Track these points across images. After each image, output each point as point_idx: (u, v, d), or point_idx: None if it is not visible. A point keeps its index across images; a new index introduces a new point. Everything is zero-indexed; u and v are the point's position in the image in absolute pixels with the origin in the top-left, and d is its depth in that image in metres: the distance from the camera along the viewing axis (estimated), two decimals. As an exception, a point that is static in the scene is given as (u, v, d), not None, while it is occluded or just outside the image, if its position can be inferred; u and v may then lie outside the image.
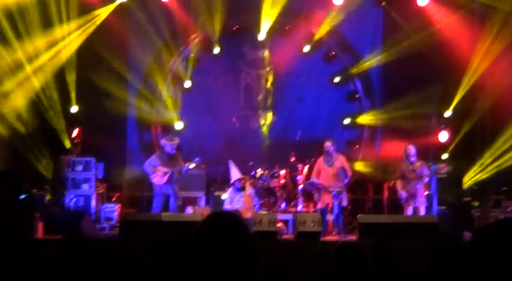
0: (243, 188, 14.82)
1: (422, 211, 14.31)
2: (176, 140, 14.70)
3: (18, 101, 15.38)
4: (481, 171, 16.35)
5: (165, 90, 17.76)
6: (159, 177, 14.20)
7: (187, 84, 17.83)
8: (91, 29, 16.64)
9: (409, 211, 14.29)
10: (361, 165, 17.55)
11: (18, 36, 15.31)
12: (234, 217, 3.01)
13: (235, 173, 14.94)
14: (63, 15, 16.15)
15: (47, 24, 15.84)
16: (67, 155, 15.87)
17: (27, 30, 15.46)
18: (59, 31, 16.03)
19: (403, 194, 14.28)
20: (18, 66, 15.32)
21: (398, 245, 10.41)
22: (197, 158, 14.66)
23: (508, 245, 3.06)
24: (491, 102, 16.40)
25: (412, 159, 14.35)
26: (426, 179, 14.46)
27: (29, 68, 15.49)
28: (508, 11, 16.03)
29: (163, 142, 14.65)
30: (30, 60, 15.54)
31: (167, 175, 14.16)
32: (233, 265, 2.84)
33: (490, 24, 16.33)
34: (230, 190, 15.05)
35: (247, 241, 2.93)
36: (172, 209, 14.30)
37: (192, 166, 14.52)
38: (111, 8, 16.85)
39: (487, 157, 16.38)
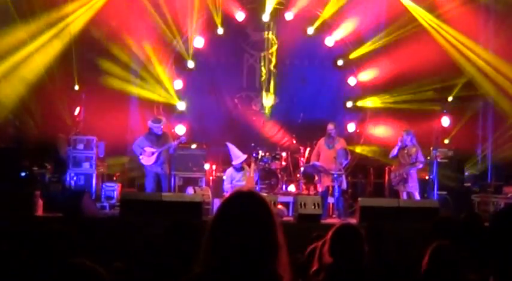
0: (242, 168, 14.86)
1: (416, 196, 14.31)
2: (162, 121, 14.73)
3: (21, 82, 15.34)
4: (482, 157, 16.36)
5: (167, 71, 17.65)
6: (146, 157, 14.32)
7: (190, 64, 17.72)
8: (93, 9, 16.51)
9: (404, 196, 14.30)
10: (362, 148, 17.54)
11: (22, 16, 15.25)
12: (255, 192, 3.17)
13: (238, 154, 14.93)
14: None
15: (51, 4, 15.80)
16: (67, 134, 15.83)
17: (32, 10, 15.41)
18: (61, 11, 15.97)
19: (392, 176, 14.39)
20: (22, 45, 15.28)
21: (393, 227, 10.47)
22: (182, 137, 14.80)
23: None
24: (494, 89, 16.41)
25: (407, 144, 14.34)
26: (420, 166, 14.45)
27: (32, 48, 15.44)
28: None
29: (150, 123, 14.66)
30: (33, 39, 15.49)
31: (155, 155, 14.26)
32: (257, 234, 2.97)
33: (494, 10, 16.30)
34: (230, 169, 15.08)
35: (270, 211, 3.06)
36: (164, 188, 14.41)
37: (175, 143, 14.53)
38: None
39: (488, 143, 16.40)
